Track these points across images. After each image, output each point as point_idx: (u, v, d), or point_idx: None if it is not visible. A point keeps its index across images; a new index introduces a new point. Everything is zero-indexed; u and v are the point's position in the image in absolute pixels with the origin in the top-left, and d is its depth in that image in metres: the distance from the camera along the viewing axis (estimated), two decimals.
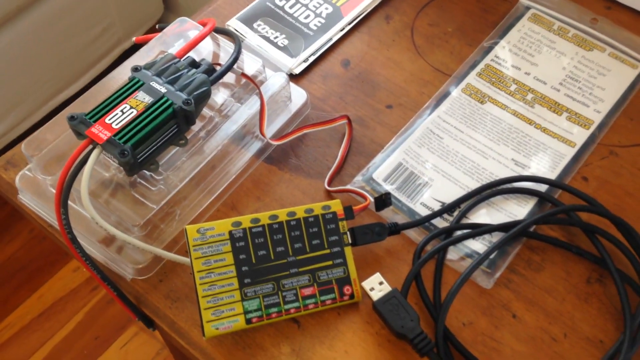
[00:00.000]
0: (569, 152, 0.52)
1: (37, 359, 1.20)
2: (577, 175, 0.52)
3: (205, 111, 0.51)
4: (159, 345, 1.21)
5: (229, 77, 0.53)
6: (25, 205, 0.51)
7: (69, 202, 0.47)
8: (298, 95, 0.55)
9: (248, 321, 0.43)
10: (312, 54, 0.59)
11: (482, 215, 0.49)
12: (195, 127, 0.50)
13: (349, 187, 0.51)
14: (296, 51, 0.59)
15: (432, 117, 0.55)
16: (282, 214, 0.45)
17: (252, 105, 0.52)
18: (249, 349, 0.44)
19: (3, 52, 1.22)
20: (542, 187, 0.50)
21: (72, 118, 0.45)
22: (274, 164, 0.53)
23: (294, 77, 0.58)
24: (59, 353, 1.22)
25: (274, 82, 0.53)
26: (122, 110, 0.45)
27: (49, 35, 1.29)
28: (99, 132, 0.44)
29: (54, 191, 0.46)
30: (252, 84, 0.52)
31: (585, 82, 0.56)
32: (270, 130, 0.53)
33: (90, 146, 0.44)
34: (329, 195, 0.51)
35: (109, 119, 0.45)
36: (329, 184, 0.52)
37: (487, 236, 0.48)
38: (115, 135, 0.44)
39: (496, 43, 0.59)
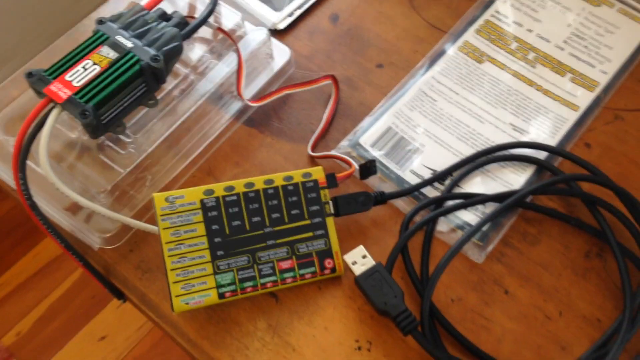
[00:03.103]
0: (572, 117, 0.49)
1: (33, 318, 1.20)
2: (580, 142, 0.48)
3: (180, 68, 0.47)
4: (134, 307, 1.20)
5: (206, 32, 0.49)
6: None
7: (33, 166, 0.44)
8: (281, 53, 0.51)
9: (221, 296, 0.40)
10: (298, 8, 0.55)
11: (475, 184, 0.46)
12: (168, 86, 0.46)
13: (333, 152, 0.47)
14: (281, 4, 0.55)
15: (425, 78, 0.51)
16: (259, 182, 0.42)
17: (230, 63, 0.48)
18: (223, 323, 0.42)
19: None
20: (542, 155, 0.47)
21: (29, 75, 0.41)
22: (255, 126, 0.50)
23: (277, 33, 0.54)
24: (55, 312, 1.21)
25: (254, 37, 0.49)
26: (84, 67, 0.41)
27: None
28: (59, 90, 0.40)
29: None
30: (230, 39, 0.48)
31: (592, 40, 0.52)
32: (250, 90, 0.49)
33: (51, 105, 0.41)
34: (313, 161, 0.48)
35: (70, 76, 0.41)
36: (313, 149, 0.48)
37: (480, 207, 0.45)
38: (75, 93, 0.40)
39: None
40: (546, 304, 0.42)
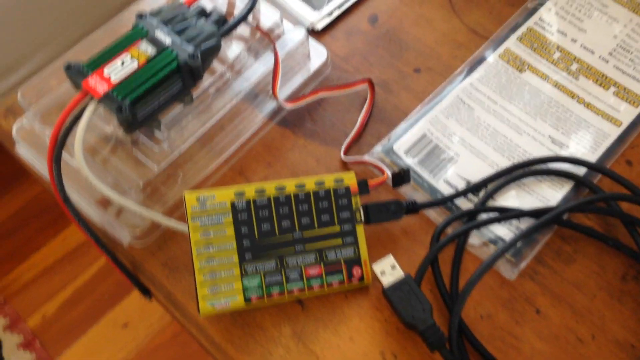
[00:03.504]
0: (614, 132, 0.47)
1: (59, 301, 1.21)
2: (621, 159, 0.47)
3: (216, 65, 0.47)
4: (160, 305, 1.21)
5: (244, 30, 0.48)
6: (22, 158, 0.48)
7: (67, 158, 0.44)
8: (318, 53, 0.50)
9: (247, 300, 0.40)
10: (338, 7, 0.54)
11: (510, 198, 0.45)
12: (204, 83, 0.46)
13: (366, 158, 0.47)
14: (320, 3, 0.54)
15: (463, 85, 0.50)
16: (290, 185, 0.41)
17: (267, 62, 0.48)
18: (248, 327, 0.42)
19: None
20: (581, 170, 0.45)
21: (68, 67, 0.41)
22: (288, 127, 0.49)
23: (315, 33, 0.53)
24: (81, 296, 1.22)
25: (292, 37, 0.48)
26: (122, 61, 0.41)
27: None
28: (96, 84, 0.40)
29: None
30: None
31: (638, 53, 0.50)
32: (285, 90, 0.49)
33: (88, 98, 0.41)
34: (344, 165, 0.47)
35: (108, 71, 0.41)
36: (346, 153, 0.47)
37: (514, 221, 0.44)
38: (113, 89, 0.40)
39: (541, 4, 0.53)
40: (579, 326, 0.41)
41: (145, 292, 0.45)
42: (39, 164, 0.47)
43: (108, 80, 0.40)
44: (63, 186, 0.41)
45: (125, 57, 0.42)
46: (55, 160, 0.41)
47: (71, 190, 0.42)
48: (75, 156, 0.40)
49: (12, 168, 1.29)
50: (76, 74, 0.41)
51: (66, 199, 0.41)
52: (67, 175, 0.41)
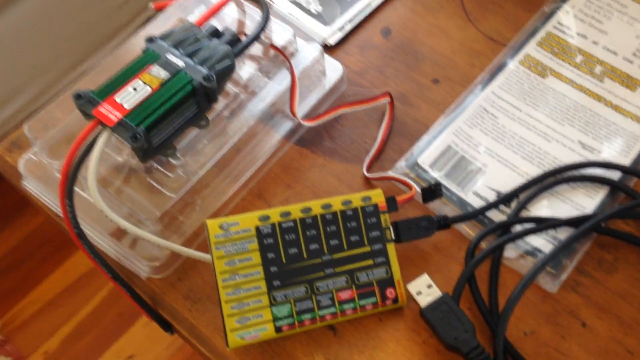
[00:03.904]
0: None
1: (62, 335, 1.18)
2: None
3: (229, 87, 0.45)
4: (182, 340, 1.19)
5: (256, 49, 0.47)
6: (30, 192, 0.46)
7: (77, 189, 0.42)
8: (333, 69, 0.49)
9: (278, 329, 0.38)
10: (349, 22, 0.52)
11: (544, 207, 0.43)
12: (217, 106, 0.44)
13: (390, 174, 0.45)
14: (331, 18, 0.53)
15: (485, 93, 0.48)
16: (316, 207, 0.40)
17: (281, 81, 0.46)
18: (278, 358, 0.39)
19: (17, 23, 1.17)
20: (615, 175, 0.43)
21: (78, 97, 0.40)
22: (306, 146, 0.48)
23: (327, 49, 0.52)
24: (84, 329, 1.19)
25: (307, 54, 0.46)
26: (134, 87, 0.39)
27: (65, 4, 1.23)
28: (108, 112, 0.38)
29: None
30: (281, 56, 0.46)
31: None
32: (302, 109, 0.47)
33: (99, 128, 0.39)
34: (368, 182, 0.46)
35: (120, 98, 0.39)
36: (368, 170, 0.46)
37: (550, 231, 0.42)
38: (126, 116, 0.38)
39: (559, 7, 0.52)
40: (627, 338, 0.39)
41: (167, 327, 0.43)
42: (48, 198, 0.45)
43: (121, 107, 0.39)
44: (77, 222, 0.39)
45: (137, 83, 0.40)
46: (68, 195, 0.39)
47: (83, 223, 0.40)
48: (89, 189, 0.39)
49: (11, 201, 1.27)
50: (86, 103, 0.39)
51: (81, 235, 0.39)
52: (79, 208, 0.39)
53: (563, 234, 0.42)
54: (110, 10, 1.28)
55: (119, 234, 0.43)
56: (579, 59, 0.49)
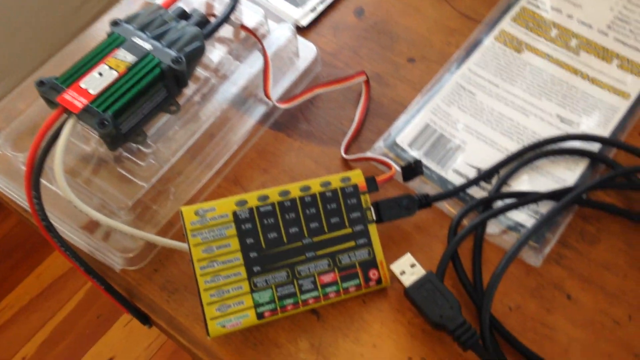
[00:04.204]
0: (623, 105, 0.45)
1: (39, 340, 1.16)
2: (634, 131, 0.45)
3: (200, 72, 0.44)
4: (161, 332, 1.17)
5: (226, 31, 0.45)
6: None
7: (45, 183, 0.40)
8: (306, 51, 0.48)
9: (259, 316, 0.37)
10: (321, 2, 0.51)
11: (524, 182, 0.42)
12: (188, 91, 0.43)
13: (369, 154, 0.44)
14: None
15: (461, 71, 0.47)
16: (295, 189, 0.38)
17: (253, 63, 0.45)
18: (261, 345, 0.38)
19: None
20: (594, 147, 0.43)
21: (41, 84, 0.38)
22: (282, 130, 0.46)
23: (300, 31, 0.51)
24: (61, 333, 1.17)
25: (279, 35, 0.45)
26: (99, 72, 0.38)
27: (19, 8, 1.19)
28: (73, 99, 0.37)
29: None
30: (253, 38, 0.45)
31: (637, 23, 0.49)
32: (275, 91, 0.46)
33: (64, 116, 0.37)
34: (346, 164, 0.45)
35: (85, 83, 0.37)
36: (346, 152, 0.45)
37: (532, 205, 0.41)
38: (92, 102, 0.37)
39: None
40: (613, 308, 0.39)
41: (145, 319, 0.41)
42: (15, 193, 0.43)
43: (86, 93, 0.37)
44: (45, 213, 0.37)
45: (103, 67, 0.38)
46: (34, 186, 0.37)
47: (53, 217, 0.39)
48: (56, 179, 0.37)
49: None
50: (49, 90, 0.38)
51: (49, 227, 0.37)
52: (48, 202, 0.38)
53: (545, 207, 0.41)
54: (66, 14, 1.24)
55: (91, 226, 0.41)
56: (554, 33, 0.49)
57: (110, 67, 0.38)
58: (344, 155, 0.44)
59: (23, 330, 1.17)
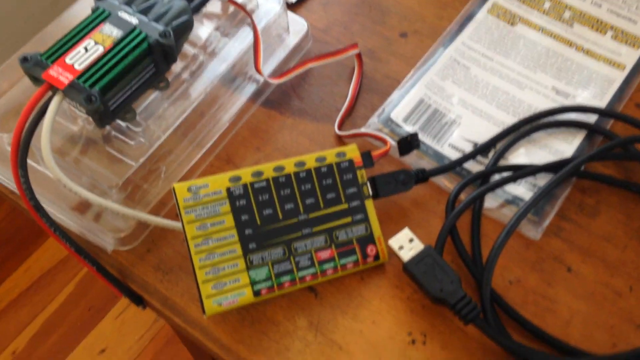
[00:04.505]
0: (619, 76, 0.45)
1: (29, 334, 1.15)
2: (630, 102, 0.44)
3: (188, 48, 0.43)
4: (156, 313, 1.16)
5: (214, 6, 0.44)
6: None
7: (33, 164, 0.39)
8: (296, 26, 0.47)
9: (256, 293, 0.36)
10: None
11: (521, 155, 0.42)
12: (176, 68, 0.42)
13: (363, 130, 0.43)
14: None
15: (455, 45, 0.47)
16: (289, 165, 0.38)
17: (242, 40, 0.44)
18: (258, 324, 0.37)
19: None
20: (591, 118, 0.43)
21: (24, 60, 0.37)
22: (274, 107, 0.45)
23: (289, 7, 0.50)
24: (51, 327, 1.16)
25: (268, 9, 0.44)
26: (85, 48, 0.37)
27: None
28: (59, 74, 0.36)
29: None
30: (241, 13, 0.44)
31: None
32: (266, 68, 0.45)
33: (50, 93, 0.36)
34: (341, 140, 0.44)
35: (70, 59, 0.36)
36: (340, 128, 0.44)
37: (530, 178, 0.41)
38: (79, 77, 0.36)
39: None
40: (614, 280, 0.38)
41: (138, 301, 0.40)
42: (2, 175, 0.42)
43: (72, 68, 0.36)
44: (33, 192, 0.36)
45: (89, 43, 0.37)
46: (21, 164, 0.36)
47: (42, 199, 0.37)
48: (43, 158, 0.36)
49: None
50: (34, 66, 0.37)
51: (37, 207, 0.36)
52: (36, 184, 0.36)
53: (542, 180, 0.41)
54: (38, 14, 1.21)
55: (82, 207, 0.40)
56: (547, 5, 0.48)
57: (96, 42, 0.37)
58: (338, 132, 0.43)
59: (13, 325, 1.16)
